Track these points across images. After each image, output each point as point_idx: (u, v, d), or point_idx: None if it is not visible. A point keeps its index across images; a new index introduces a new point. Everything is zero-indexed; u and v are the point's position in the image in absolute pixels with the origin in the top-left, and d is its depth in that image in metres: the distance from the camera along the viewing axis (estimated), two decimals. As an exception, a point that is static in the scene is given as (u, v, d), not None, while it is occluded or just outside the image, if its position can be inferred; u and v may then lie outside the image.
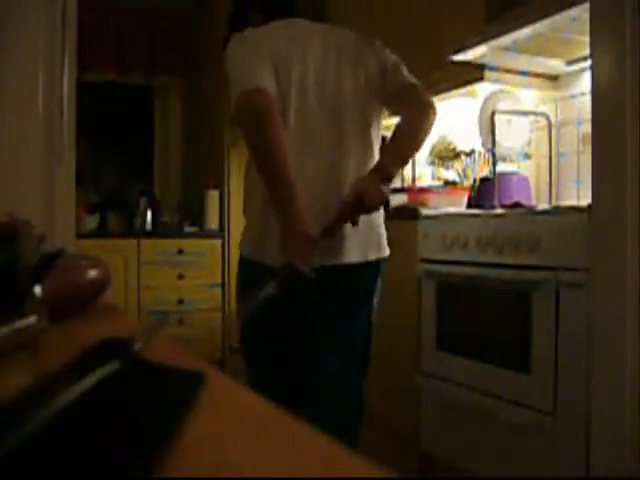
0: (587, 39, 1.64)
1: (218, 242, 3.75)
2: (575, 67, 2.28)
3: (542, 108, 2.48)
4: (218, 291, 3.71)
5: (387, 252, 1.61)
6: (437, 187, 2.69)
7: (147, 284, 3.57)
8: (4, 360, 0.49)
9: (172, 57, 4.16)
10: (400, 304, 2.31)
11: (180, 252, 3.66)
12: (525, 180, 2.39)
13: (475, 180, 2.53)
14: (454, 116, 2.88)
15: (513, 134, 2.47)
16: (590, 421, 1.54)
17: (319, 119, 1.52)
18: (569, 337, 1.61)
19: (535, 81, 2.43)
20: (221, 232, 3.79)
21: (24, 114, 1.80)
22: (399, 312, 2.32)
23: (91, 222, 3.70)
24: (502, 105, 2.46)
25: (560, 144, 2.40)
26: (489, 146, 2.43)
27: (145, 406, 0.36)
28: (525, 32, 2.02)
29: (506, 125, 2.44)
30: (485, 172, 2.58)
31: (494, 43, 2.15)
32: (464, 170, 2.76)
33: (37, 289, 0.58)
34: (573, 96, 2.35)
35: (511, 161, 2.52)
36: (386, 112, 1.66)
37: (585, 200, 1.71)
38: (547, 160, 2.39)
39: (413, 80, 1.63)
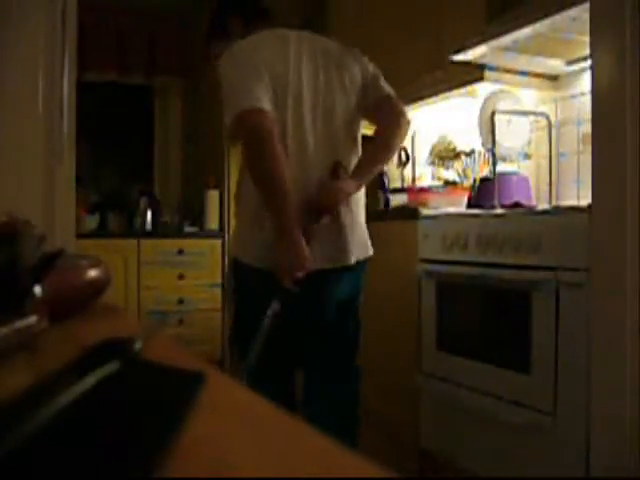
0: (587, 39, 1.64)
1: (218, 242, 3.75)
2: (575, 67, 2.28)
3: (542, 108, 2.48)
4: (218, 291, 3.71)
5: (372, 251, 1.72)
6: (437, 187, 2.69)
7: (147, 284, 3.57)
8: (4, 360, 0.49)
9: (172, 57, 4.16)
10: (400, 304, 2.31)
11: (180, 252, 3.66)
12: (525, 180, 2.39)
13: (475, 180, 2.53)
14: (454, 116, 2.89)
15: (513, 134, 2.47)
16: (590, 421, 1.54)
17: (314, 132, 1.59)
18: (569, 337, 1.61)
19: (535, 81, 2.43)
20: (221, 232, 3.78)
21: (24, 114, 1.80)
22: (399, 312, 2.32)
23: (91, 222, 3.70)
24: (502, 105, 2.46)
25: (560, 144, 2.40)
26: (489, 146, 2.43)
27: (145, 406, 0.36)
28: (525, 32, 2.02)
29: (506, 125, 2.44)
30: (485, 172, 2.58)
31: (494, 43, 2.14)
32: (464, 170, 2.76)
33: (37, 289, 0.58)
34: (573, 96, 2.35)
35: (511, 161, 2.52)
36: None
37: (585, 200, 1.71)
38: (547, 160, 2.39)
39: (389, 90, 1.71)
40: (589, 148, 1.61)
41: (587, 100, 1.73)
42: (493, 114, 2.37)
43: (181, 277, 3.64)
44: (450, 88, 2.56)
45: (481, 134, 2.48)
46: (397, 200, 2.66)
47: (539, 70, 2.39)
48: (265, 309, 1.51)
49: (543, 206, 2.20)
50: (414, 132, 3.12)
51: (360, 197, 1.69)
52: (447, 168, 2.91)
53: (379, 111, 1.69)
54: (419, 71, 2.68)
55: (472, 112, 2.58)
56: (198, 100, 4.24)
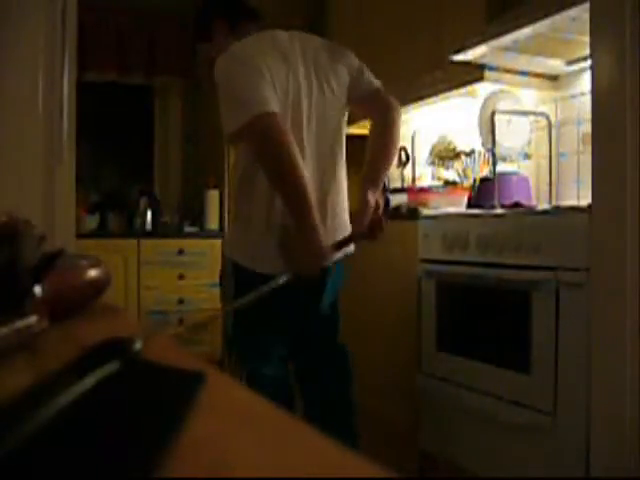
0: (587, 39, 1.64)
1: (218, 242, 3.75)
2: (575, 67, 2.28)
3: (542, 108, 2.48)
4: (218, 291, 3.70)
5: (352, 247, 1.76)
6: (437, 187, 2.69)
7: (147, 284, 3.57)
8: (4, 360, 0.49)
9: (172, 57, 4.16)
10: (400, 304, 2.31)
11: (180, 252, 3.65)
12: (525, 180, 2.40)
13: (475, 180, 2.53)
14: (454, 116, 2.89)
15: (513, 134, 2.47)
16: (590, 421, 1.54)
17: (308, 137, 1.61)
18: (569, 337, 1.61)
19: (535, 81, 2.43)
20: (221, 232, 3.78)
21: (24, 114, 1.79)
22: (399, 312, 2.32)
23: (91, 222, 3.70)
24: (502, 105, 2.46)
25: (560, 144, 2.40)
26: (489, 146, 2.43)
27: (145, 406, 0.36)
28: (525, 32, 2.02)
29: (506, 125, 2.44)
30: (485, 172, 2.58)
31: (494, 43, 2.14)
32: (464, 170, 2.76)
33: (37, 289, 0.58)
34: (573, 96, 2.35)
35: (511, 161, 2.52)
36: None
37: (585, 200, 1.71)
38: (547, 160, 2.39)
39: (377, 83, 1.73)
40: (589, 148, 1.61)
41: (587, 100, 1.73)
42: (493, 114, 2.37)
43: (181, 277, 3.64)
44: (450, 88, 2.56)
45: (481, 134, 2.48)
46: (397, 200, 2.66)
47: (539, 70, 2.39)
48: (269, 316, 1.58)
49: (543, 206, 2.20)
50: (414, 132, 3.12)
51: (345, 188, 1.73)
52: (447, 168, 2.91)
53: (371, 106, 1.72)
54: (419, 71, 2.68)
55: (472, 112, 2.58)
56: (198, 100, 4.24)
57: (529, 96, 2.53)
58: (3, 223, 0.60)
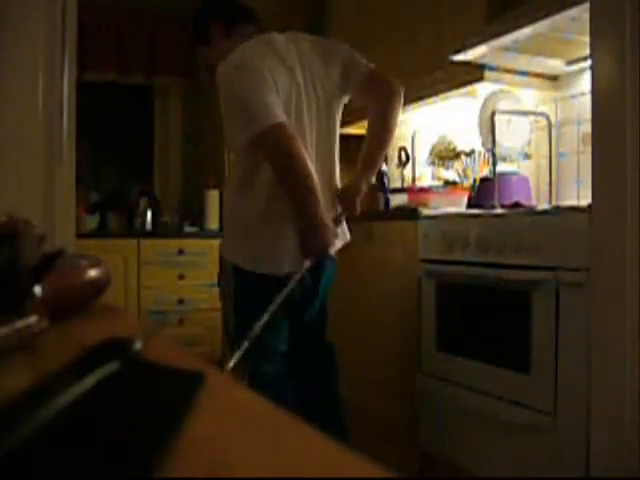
0: (587, 39, 1.64)
1: (218, 242, 3.74)
2: (575, 67, 2.28)
3: (542, 108, 2.48)
4: (218, 291, 3.70)
5: (349, 236, 1.84)
6: (437, 187, 2.69)
7: (147, 284, 3.57)
8: (4, 360, 0.49)
9: (172, 57, 4.16)
10: (400, 304, 2.31)
11: (180, 252, 3.65)
12: (525, 180, 2.39)
13: (475, 180, 2.53)
14: (454, 116, 2.89)
15: (513, 134, 2.47)
16: (590, 421, 1.54)
17: (311, 139, 1.66)
18: (569, 337, 1.61)
19: (535, 81, 2.43)
20: (221, 232, 3.78)
21: (24, 114, 1.79)
22: (399, 312, 2.32)
23: (91, 222, 3.69)
24: (502, 105, 2.46)
25: (560, 144, 2.40)
26: (489, 146, 2.43)
27: (145, 406, 0.36)
28: (525, 32, 2.02)
29: (506, 125, 2.44)
30: (485, 172, 2.58)
31: (494, 43, 2.14)
32: (464, 170, 2.76)
33: (37, 289, 0.58)
34: (573, 96, 2.35)
35: (511, 161, 2.52)
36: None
37: (585, 200, 1.71)
38: (547, 160, 2.39)
39: (370, 65, 1.76)
40: (589, 148, 1.61)
41: (587, 100, 1.73)
42: (493, 114, 2.37)
43: (181, 277, 3.64)
44: (450, 88, 2.56)
45: (481, 134, 2.48)
46: (397, 200, 2.66)
47: (539, 70, 2.39)
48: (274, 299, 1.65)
49: (543, 206, 2.20)
50: (414, 132, 3.12)
51: (336, 186, 1.77)
52: (447, 168, 2.91)
53: (371, 89, 1.75)
54: (419, 71, 2.68)
55: (472, 112, 2.58)
56: (198, 100, 4.24)
57: (529, 96, 2.53)
58: (3, 223, 0.60)
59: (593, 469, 1.53)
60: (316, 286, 1.76)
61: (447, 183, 2.76)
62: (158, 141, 4.34)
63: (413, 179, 3.10)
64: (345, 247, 1.84)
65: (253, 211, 1.64)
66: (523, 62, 2.32)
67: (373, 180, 1.72)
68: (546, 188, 2.39)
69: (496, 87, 2.49)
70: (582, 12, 1.79)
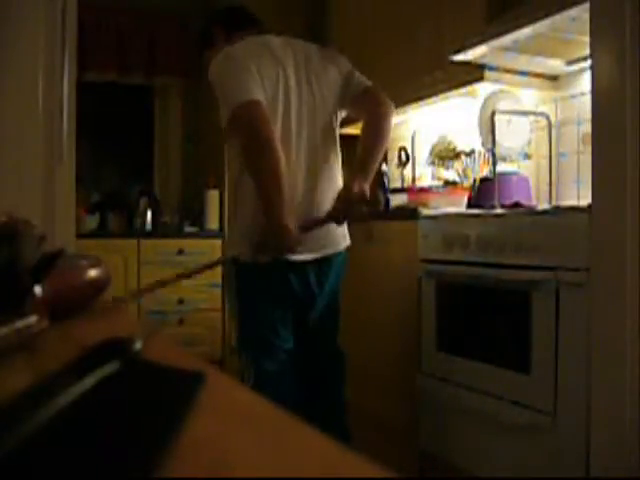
0: (587, 39, 1.64)
1: (218, 242, 3.75)
2: (575, 67, 2.28)
3: (542, 108, 2.48)
4: (218, 291, 3.71)
5: (349, 240, 1.85)
6: (437, 187, 2.69)
7: (147, 284, 3.57)
8: (4, 360, 0.49)
9: (172, 57, 4.16)
10: (400, 304, 2.31)
11: (180, 252, 3.65)
12: (525, 180, 2.39)
13: (475, 180, 2.53)
14: (454, 116, 2.89)
15: (513, 134, 2.47)
16: (590, 421, 1.54)
17: (298, 138, 1.68)
18: (569, 337, 1.61)
19: (535, 81, 2.43)
20: (221, 232, 3.78)
21: (24, 114, 1.79)
22: (399, 312, 2.32)
23: (91, 222, 3.69)
24: (502, 105, 2.46)
25: (560, 144, 2.40)
26: (489, 146, 2.43)
27: (145, 406, 0.36)
28: (525, 32, 2.02)
29: (506, 125, 2.44)
30: (485, 172, 2.58)
31: (494, 43, 2.14)
32: (464, 170, 2.76)
33: (37, 289, 0.58)
34: (573, 96, 2.35)
35: (511, 161, 2.52)
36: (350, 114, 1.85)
37: (585, 200, 1.71)
38: (547, 160, 2.39)
39: (367, 82, 1.80)
40: (589, 148, 1.61)
41: (587, 100, 1.73)
42: (493, 114, 2.37)
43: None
44: (450, 88, 2.56)
45: (481, 134, 2.48)
46: (397, 200, 2.66)
47: (539, 70, 2.39)
48: (272, 307, 1.68)
49: (543, 206, 2.20)
50: (414, 132, 3.12)
51: (338, 187, 1.77)
52: (447, 168, 2.91)
53: (362, 103, 1.78)
54: (419, 71, 2.68)
55: (472, 112, 2.58)
56: (198, 100, 4.24)
57: (529, 96, 2.53)
58: (3, 223, 0.60)
59: (593, 469, 1.53)
60: (320, 283, 1.75)
61: (447, 183, 2.76)
62: (158, 141, 4.34)
63: (413, 179, 3.10)
64: (345, 247, 1.83)
65: (251, 203, 1.67)
66: (523, 62, 2.32)
67: (367, 186, 1.68)
68: (546, 188, 2.39)
69: (496, 87, 2.49)
70: (582, 12, 1.79)
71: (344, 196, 1.63)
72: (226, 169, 3.80)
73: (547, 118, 2.40)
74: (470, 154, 2.73)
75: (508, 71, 2.40)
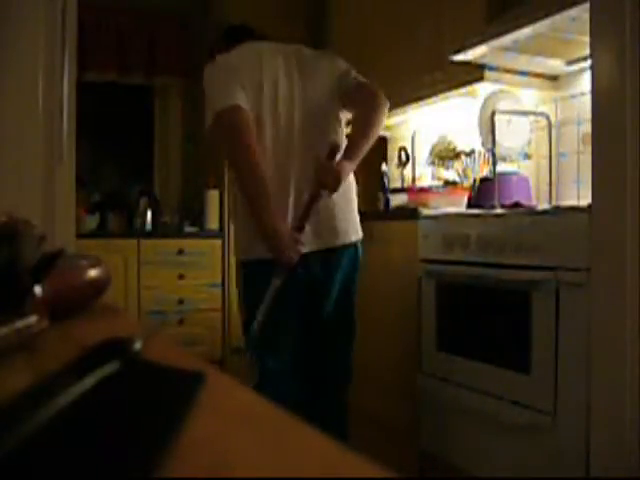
0: (587, 39, 1.64)
1: (218, 242, 3.75)
2: (575, 67, 2.28)
3: (542, 108, 2.48)
4: (218, 291, 3.71)
5: (361, 234, 1.86)
6: (437, 187, 2.69)
7: (147, 284, 3.57)
8: (4, 360, 0.49)
9: (172, 57, 4.16)
10: (400, 304, 2.31)
11: (180, 252, 3.65)
12: (525, 180, 2.39)
13: (475, 180, 2.53)
14: (454, 116, 2.88)
15: (513, 134, 2.47)
16: (590, 421, 1.54)
17: (291, 128, 1.72)
18: (569, 337, 1.61)
19: (535, 81, 2.43)
20: (221, 232, 3.78)
21: (24, 114, 1.79)
22: (399, 312, 2.32)
23: (91, 222, 3.69)
24: (502, 105, 2.46)
25: (560, 144, 2.40)
26: (489, 146, 2.43)
27: (145, 406, 0.36)
28: (525, 32, 2.02)
29: (506, 125, 2.44)
30: (485, 172, 2.58)
31: (494, 43, 2.14)
32: (464, 170, 2.76)
33: (37, 289, 0.58)
34: (573, 96, 2.35)
35: (511, 161, 2.52)
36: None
37: (585, 200, 1.71)
38: (547, 160, 2.39)
39: (363, 80, 1.83)
40: (589, 148, 1.61)
41: (587, 100, 1.73)
42: (493, 114, 2.37)
43: (181, 277, 3.64)
44: (450, 88, 2.56)
45: (481, 134, 2.48)
46: (397, 200, 2.66)
47: (539, 70, 2.39)
48: (285, 297, 1.68)
49: (543, 206, 2.20)
50: (414, 132, 3.12)
51: (351, 181, 1.80)
52: (447, 168, 2.91)
53: (355, 97, 1.80)
54: (419, 71, 2.68)
55: (472, 112, 2.58)
56: (198, 100, 4.23)
57: (529, 96, 2.53)
58: (3, 223, 0.60)
59: (593, 469, 1.53)
60: (327, 279, 1.75)
61: (447, 183, 2.76)
62: (158, 141, 4.34)
63: (413, 179, 3.10)
64: (356, 240, 1.84)
65: (246, 210, 1.70)
66: (523, 62, 2.32)
67: (354, 167, 1.70)
68: (546, 188, 2.39)
69: (496, 87, 2.49)
70: (582, 12, 1.79)
71: (316, 166, 1.65)
72: (226, 169, 3.80)
73: (547, 118, 2.40)
74: (470, 154, 2.73)
75: (508, 71, 2.40)
